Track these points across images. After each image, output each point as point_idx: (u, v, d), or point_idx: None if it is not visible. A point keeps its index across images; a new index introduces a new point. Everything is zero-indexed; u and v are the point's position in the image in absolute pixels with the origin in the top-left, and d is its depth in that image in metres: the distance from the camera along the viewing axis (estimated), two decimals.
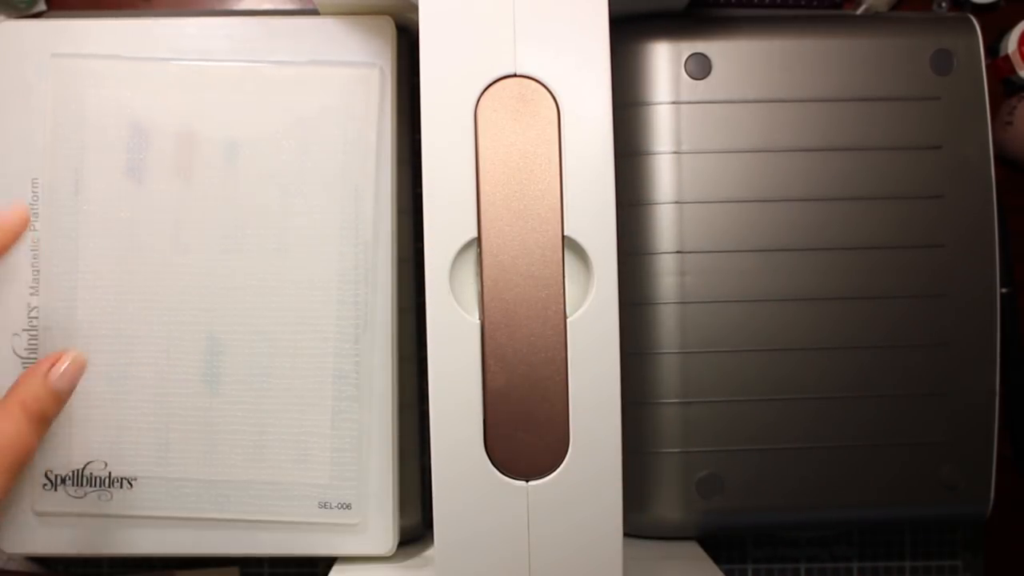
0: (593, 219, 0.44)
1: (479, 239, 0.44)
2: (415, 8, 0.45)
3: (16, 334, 0.61)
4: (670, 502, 0.65)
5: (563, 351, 0.44)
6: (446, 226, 0.44)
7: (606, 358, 0.44)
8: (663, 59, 0.65)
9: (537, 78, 0.44)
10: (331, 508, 0.61)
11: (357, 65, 0.61)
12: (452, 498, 0.47)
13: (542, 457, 0.46)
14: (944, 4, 0.74)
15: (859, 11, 0.72)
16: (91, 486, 0.61)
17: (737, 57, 0.65)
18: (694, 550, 0.65)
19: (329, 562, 0.62)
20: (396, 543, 0.62)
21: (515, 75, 0.44)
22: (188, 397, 0.61)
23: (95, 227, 0.60)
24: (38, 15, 0.72)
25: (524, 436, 0.45)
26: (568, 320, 0.44)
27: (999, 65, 0.73)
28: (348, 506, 0.61)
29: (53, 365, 0.56)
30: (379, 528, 0.61)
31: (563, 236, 0.44)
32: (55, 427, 0.60)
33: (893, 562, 0.73)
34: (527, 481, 0.44)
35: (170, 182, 0.60)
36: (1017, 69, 0.71)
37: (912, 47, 0.66)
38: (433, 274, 0.44)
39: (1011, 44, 0.71)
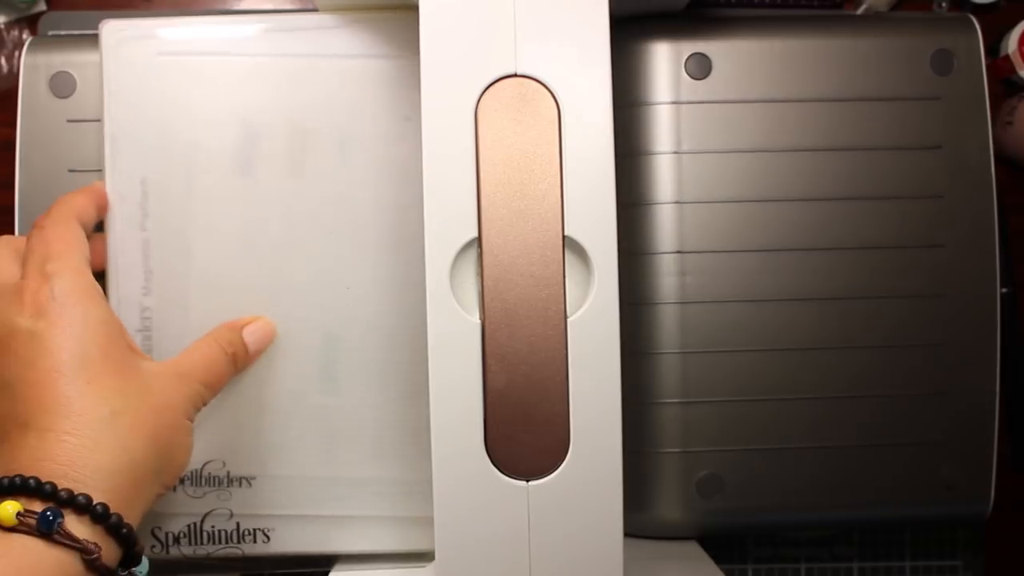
0: (593, 219, 0.44)
1: (479, 239, 0.44)
2: (416, 8, 0.45)
3: (131, 335, 0.61)
4: (670, 502, 0.65)
5: (563, 351, 0.44)
6: (446, 226, 0.44)
7: (607, 358, 0.44)
8: (663, 59, 0.65)
9: (538, 78, 0.44)
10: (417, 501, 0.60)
11: (389, 58, 0.61)
12: (453, 498, 0.47)
13: (542, 457, 0.46)
14: (944, 4, 0.74)
15: (859, 11, 0.72)
16: (210, 486, 0.60)
17: (737, 57, 0.65)
18: (694, 550, 0.65)
19: None
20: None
21: (516, 75, 0.44)
22: (306, 395, 0.60)
23: (207, 225, 0.60)
24: (38, 15, 0.72)
25: (524, 436, 0.45)
26: (568, 320, 0.44)
27: (999, 65, 0.73)
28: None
29: (248, 324, 0.57)
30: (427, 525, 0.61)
31: (563, 236, 0.44)
32: None
33: (893, 562, 0.73)
34: (527, 481, 0.44)
35: (282, 179, 0.60)
36: (1017, 69, 0.71)
37: (912, 47, 0.66)
38: (433, 274, 0.44)
39: (1011, 44, 0.71)
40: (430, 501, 0.58)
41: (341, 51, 0.60)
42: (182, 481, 0.60)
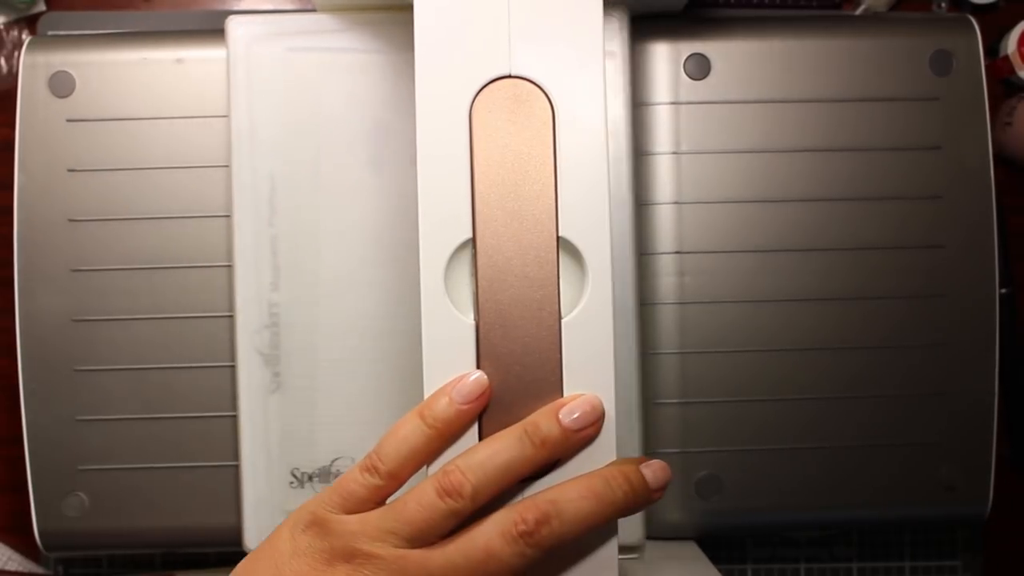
0: (588, 220, 0.44)
1: (474, 240, 0.44)
2: (411, 8, 0.45)
3: (258, 331, 0.61)
4: (669, 502, 0.65)
5: (558, 352, 0.44)
6: (441, 227, 0.44)
7: (601, 359, 0.44)
8: (662, 59, 0.65)
9: (532, 79, 0.44)
10: None
11: None
12: None
13: None
14: (944, 4, 0.73)
15: (859, 11, 0.72)
16: None
17: (737, 57, 0.65)
18: (692, 550, 0.65)
19: None
20: (644, 533, 0.62)
21: (510, 76, 0.44)
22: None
23: (336, 221, 0.60)
24: (38, 15, 0.72)
25: None
26: (563, 321, 0.44)
27: (999, 65, 0.72)
28: None
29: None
30: (628, 517, 0.61)
31: (558, 237, 0.44)
32: (299, 426, 0.60)
33: (893, 562, 0.73)
34: (523, 482, 0.44)
35: (411, 175, 0.60)
36: (1017, 69, 0.71)
37: (912, 47, 0.65)
38: (428, 275, 0.44)
39: (1011, 44, 0.71)
40: None
41: None
42: (311, 477, 0.60)
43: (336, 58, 0.60)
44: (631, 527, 0.61)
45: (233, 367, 0.63)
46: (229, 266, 0.63)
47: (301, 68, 0.60)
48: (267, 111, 0.60)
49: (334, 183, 0.59)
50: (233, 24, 0.61)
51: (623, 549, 0.61)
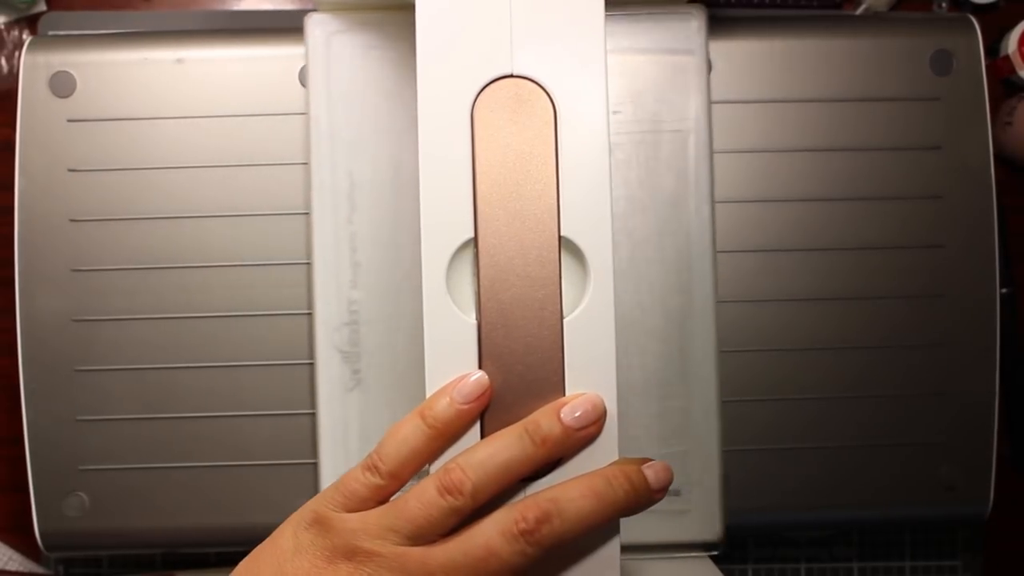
0: (590, 219, 0.44)
1: (476, 239, 0.44)
2: (412, 8, 0.45)
3: (337, 329, 0.61)
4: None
5: (560, 352, 0.44)
6: (443, 226, 0.44)
7: (603, 358, 0.44)
8: None
9: (534, 79, 0.44)
10: None
11: (674, 52, 0.61)
12: None
13: None
14: (944, 4, 0.73)
15: (859, 11, 0.72)
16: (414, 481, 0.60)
17: (737, 57, 0.65)
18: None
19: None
20: (724, 530, 0.62)
21: (512, 76, 0.44)
22: None
23: (415, 217, 0.60)
24: (38, 15, 0.72)
25: None
26: (565, 320, 0.44)
27: (999, 65, 0.72)
28: (677, 492, 0.61)
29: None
30: (706, 514, 0.61)
31: (559, 236, 0.44)
32: (378, 423, 0.61)
33: (893, 562, 0.73)
34: (525, 482, 0.44)
35: None
36: (1017, 69, 0.71)
37: (912, 47, 0.65)
38: (430, 274, 0.44)
39: (1011, 44, 0.71)
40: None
41: None
42: None
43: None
44: (710, 524, 0.62)
45: (233, 366, 0.63)
46: (229, 266, 0.64)
47: (381, 65, 0.60)
48: (346, 109, 0.61)
49: (414, 180, 0.59)
50: (312, 23, 0.61)
51: (702, 547, 0.62)
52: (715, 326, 0.62)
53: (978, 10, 0.73)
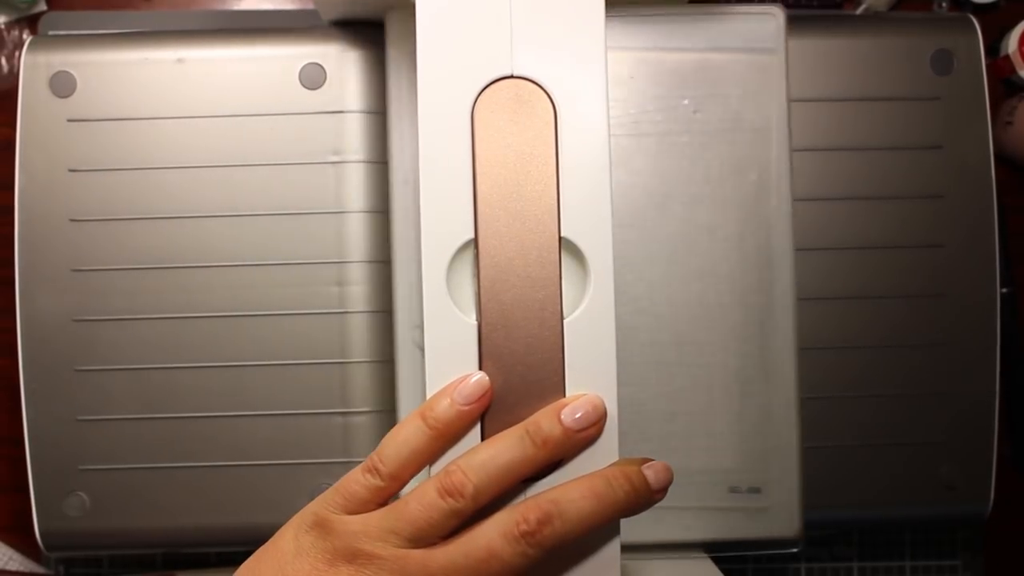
0: (590, 220, 0.44)
1: (476, 240, 0.44)
2: (413, 9, 0.45)
3: (417, 326, 0.61)
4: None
5: (560, 352, 0.44)
6: (443, 227, 0.44)
7: (603, 359, 0.44)
8: None
9: (534, 79, 0.44)
10: (741, 492, 0.61)
11: (756, 52, 0.62)
12: None
13: None
14: (944, 4, 0.73)
15: (859, 11, 0.72)
16: None
17: None
18: (694, 550, 0.65)
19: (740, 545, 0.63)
20: (802, 527, 0.62)
21: (512, 76, 0.44)
22: None
23: None
24: (39, 15, 0.72)
25: None
26: (565, 321, 0.44)
27: (999, 65, 0.72)
28: (757, 490, 0.61)
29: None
30: (786, 512, 0.61)
31: (560, 237, 0.44)
32: None
33: (893, 562, 0.73)
34: (525, 483, 0.44)
35: None
36: (1017, 69, 0.71)
37: (912, 47, 0.65)
38: (430, 275, 0.44)
39: (1011, 44, 0.71)
40: (732, 491, 0.59)
41: (628, 43, 0.62)
42: None
43: None
44: (789, 522, 0.62)
45: (233, 366, 0.63)
46: (229, 266, 0.64)
47: None
48: None
49: None
50: (392, 18, 0.62)
51: (781, 544, 0.62)
52: (795, 323, 0.62)
53: (978, 10, 0.73)
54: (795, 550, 0.63)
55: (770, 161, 0.62)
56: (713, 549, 0.64)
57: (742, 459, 0.61)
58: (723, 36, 0.62)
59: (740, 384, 0.61)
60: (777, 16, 0.62)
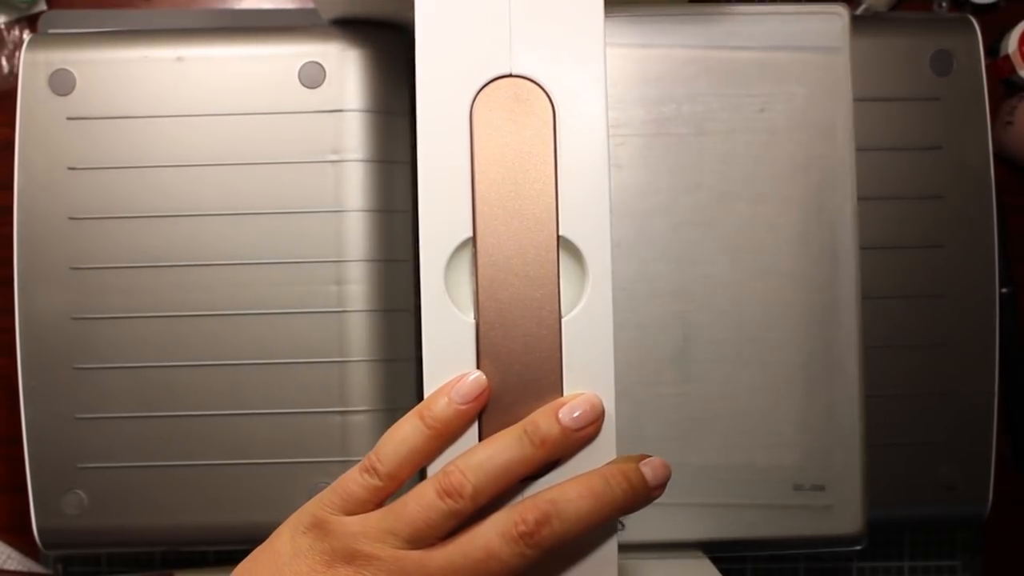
0: (588, 219, 0.44)
1: (474, 239, 0.44)
2: (412, 8, 0.45)
3: None
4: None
5: (558, 351, 0.44)
6: (441, 225, 0.44)
7: (601, 358, 0.44)
8: None
9: (532, 78, 0.44)
10: (805, 490, 0.61)
11: (821, 51, 0.62)
12: None
13: None
14: (944, 4, 0.73)
15: (859, 11, 0.72)
16: None
17: None
18: (693, 550, 0.65)
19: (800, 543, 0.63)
20: (865, 524, 0.62)
21: (510, 75, 0.44)
22: (659, 384, 0.61)
23: None
24: (38, 14, 0.72)
25: None
26: (563, 320, 0.44)
27: (999, 65, 0.72)
28: (821, 487, 0.61)
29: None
30: (849, 509, 0.61)
31: (558, 236, 0.44)
32: None
33: (893, 562, 0.73)
34: (523, 482, 0.44)
35: (638, 169, 0.61)
36: (1017, 69, 0.71)
37: (912, 47, 0.65)
38: (428, 274, 0.44)
39: (1011, 44, 0.71)
40: (796, 488, 0.59)
41: (693, 41, 0.62)
42: None
43: None
44: (852, 519, 0.62)
45: (232, 365, 0.63)
46: (228, 264, 0.63)
47: None
48: None
49: None
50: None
51: (842, 540, 0.62)
52: (859, 320, 0.62)
53: (978, 10, 0.73)
54: (859, 547, 0.63)
55: (835, 160, 0.62)
56: (777, 547, 0.64)
57: (806, 456, 0.61)
58: (788, 35, 0.62)
59: (804, 381, 0.62)
60: (842, 15, 0.63)
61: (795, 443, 0.61)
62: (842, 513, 0.61)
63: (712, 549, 0.64)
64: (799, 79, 0.62)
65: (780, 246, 0.62)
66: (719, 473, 0.61)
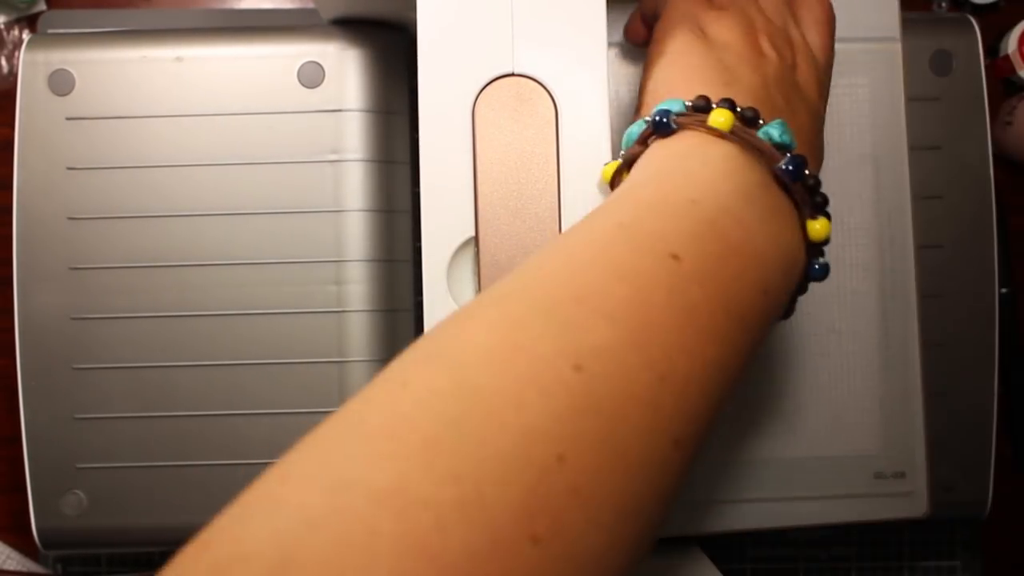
0: None
1: (477, 238, 0.44)
2: (414, 8, 0.45)
3: None
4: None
5: None
6: (444, 225, 0.44)
7: None
8: None
9: (535, 77, 0.44)
10: (886, 478, 0.60)
11: (880, 40, 0.61)
12: None
13: None
14: (944, 4, 0.74)
15: None
16: None
17: None
18: (693, 550, 0.65)
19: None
20: (931, 507, 0.62)
21: (513, 74, 0.44)
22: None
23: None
24: (38, 14, 0.72)
25: None
26: None
27: (999, 65, 0.73)
28: (902, 475, 0.61)
29: None
30: (921, 492, 0.61)
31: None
32: None
33: (892, 562, 0.73)
34: None
35: None
36: (1017, 69, 0.71)
37: (912, 47, 0.65)
38: (430, 273, 0.44)
39: (1011, 44, 0.71)
40: (877, 477, 0.60)
41: None
42: None
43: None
44: (920, 502, 0.62)
45: (231, 365, 0.63)
46: (228, 264, 0.63)
47: None
48: None
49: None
50: None
51: (912, 520, 0.62)
52: (919, 312, 0.62)
53: (978, 10, 0.73)
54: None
55: (890, 150, 0.62)
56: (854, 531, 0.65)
57: (884, 445, 0.61)
58: (844, 25, 0.62)
59: (883, 371, 0.61)
60: (889, 7, 0.62)
61: (875, 433, 0.61)
62: (919, 497, 0.61)
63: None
64: (859, 70, 0.61)
65: (846, 237, 0.61)
66: (794, 465, 0.61)
